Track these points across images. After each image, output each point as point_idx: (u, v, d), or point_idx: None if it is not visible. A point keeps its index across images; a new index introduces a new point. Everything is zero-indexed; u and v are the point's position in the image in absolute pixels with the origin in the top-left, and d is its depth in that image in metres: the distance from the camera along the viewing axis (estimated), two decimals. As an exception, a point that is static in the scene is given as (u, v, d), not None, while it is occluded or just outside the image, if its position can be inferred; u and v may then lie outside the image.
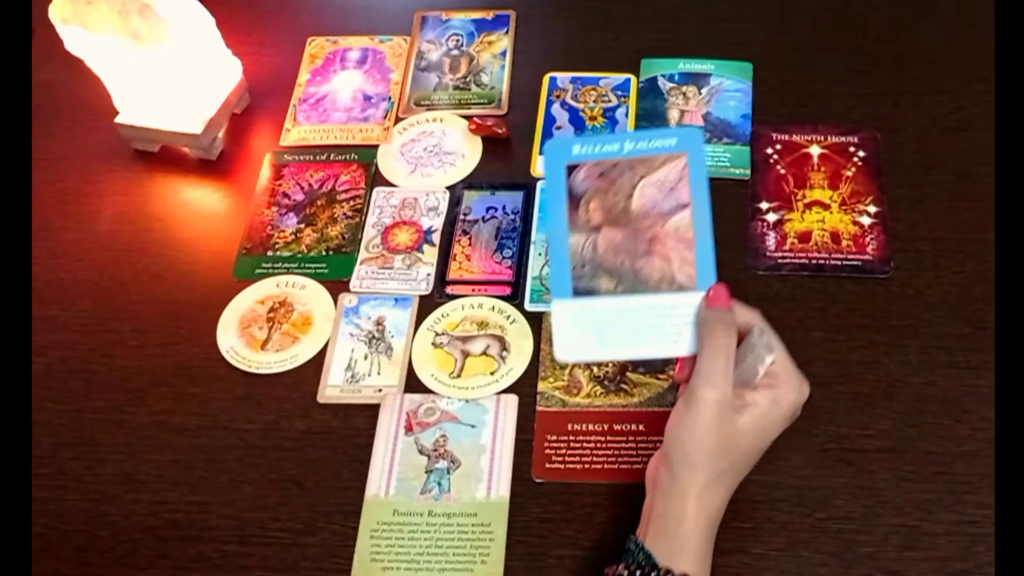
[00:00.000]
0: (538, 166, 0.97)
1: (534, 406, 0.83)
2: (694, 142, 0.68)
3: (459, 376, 0.85)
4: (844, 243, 0.89)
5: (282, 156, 1.01)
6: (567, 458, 0.80)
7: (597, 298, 0.68)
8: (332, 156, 1.00)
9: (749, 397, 0.67)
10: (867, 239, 0.89)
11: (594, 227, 0.69)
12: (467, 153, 0.99)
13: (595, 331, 0.69)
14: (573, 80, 1.02)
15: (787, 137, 0.96)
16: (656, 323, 0.68)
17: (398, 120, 1.02)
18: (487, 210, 0.94)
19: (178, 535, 0.79)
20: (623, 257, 0.68)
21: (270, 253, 0.94)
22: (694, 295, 0.68)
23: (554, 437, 0.81)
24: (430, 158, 0.99)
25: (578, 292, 0.69)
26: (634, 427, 0.81)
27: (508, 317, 0.88)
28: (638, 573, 0.65)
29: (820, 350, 0.83)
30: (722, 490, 0.68)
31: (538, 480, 0.79)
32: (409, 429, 0.82)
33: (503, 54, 1.06)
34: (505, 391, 0.84)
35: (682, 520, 0.66)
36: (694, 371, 0.66)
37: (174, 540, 0.79)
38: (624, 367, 0.83)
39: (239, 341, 0.89)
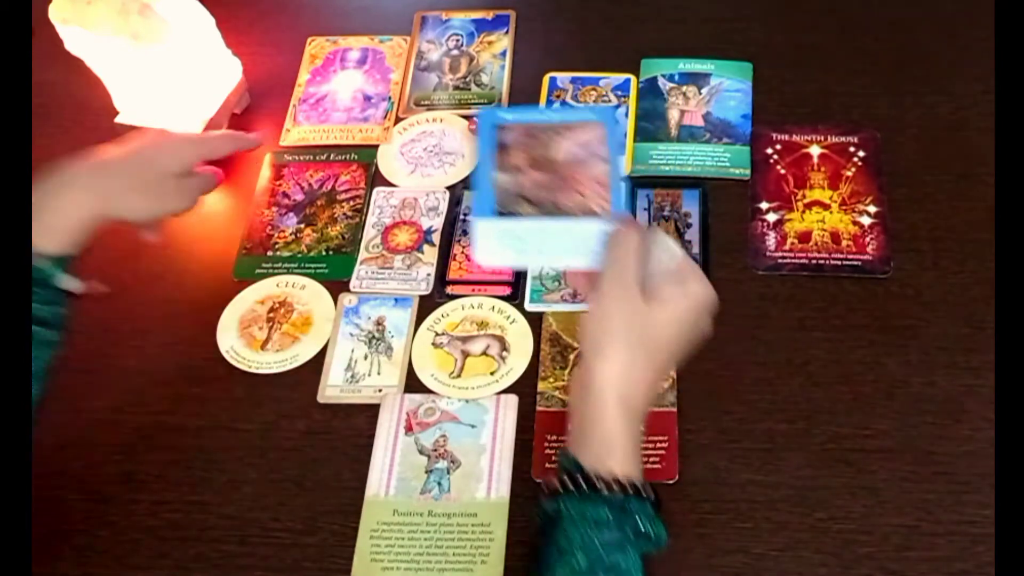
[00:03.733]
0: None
1: (534, 406, 0.83)
2: (610, 117, 0.74)
3: (459, 376, 0.85)
4: (844, 243, 0.89)
5: (282, 156, 1.01)
6: (567, 458, 0.80)
7: (517, 219, 0.71)
8: (332, 156, 1.00)
9: (656, 292, 0.67)
10: (867, 239, 0.89)
11: (516, 167, 0.72)
12: (467, 153, 0.99)
13: (512, 243, 0.71)
14: (573, 80, 1.02)
15: (787, 137, 0.96)
16: (569, 238, 0.70)
17: (398, 120, 1.02)
18: (487, 210, 0.94)
19: (178, 535, 0.79)
20: (544, 192, 0.71)
21: (270, 253, 0.94)
22: (607, 220, 0.70)
23: (554, 437, 0.81)
24: (430, 158, 0.99)
25: (500, 214, 0.71)
26: (634, 427, 0.81)
27: (508, 317, 0.88)
28: (567, 479, 0.65)
29: (820, 350, 0.83)
30: (638, 381, 0.66)
31: (538, 480, 0.79)
32: (409, 429, 0.82)
33: (503, 54, 1.06)
34: (505, 391, 0.84)
35: (602, 419, 0.65)
36: (601, 271, 0.68)
37: (174, 540, 0.79)
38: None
39: (239, 341, 0.89)
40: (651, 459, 0.79)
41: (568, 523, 0.64)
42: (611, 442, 0.65)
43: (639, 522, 0.64)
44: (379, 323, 0.88)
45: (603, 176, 0.71)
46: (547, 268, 0.73)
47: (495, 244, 0.72)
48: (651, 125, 0.98)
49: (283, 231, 0.95)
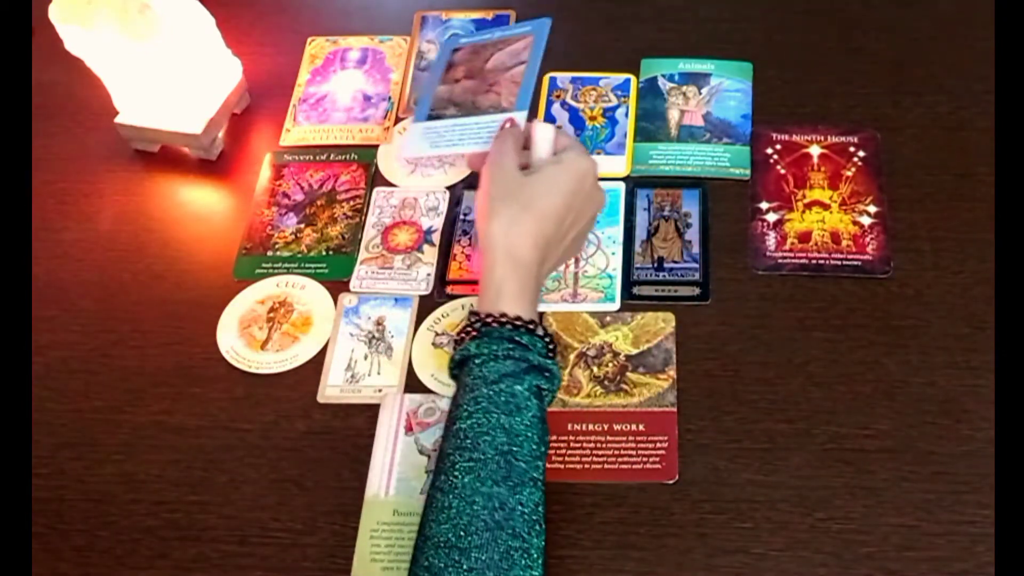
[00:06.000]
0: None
1: (534, 406, 0.82)
2: (541, 28, 0.90)
3: (459, 376, 0.85)
4: (844, 243, 0.89)
5: (282, 156, 1.01)
6: (567, 458, 0.80)
7: (443, 120, 0.89)
8: (332, 156, 1.00)
9: (535, 166, 0.80)
10: (867, 239, 0.89)
11: (456, 80, 0.91)
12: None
13: (432, 138, 0.89)
14: (573, 80, 1.02)
15: (787, 137, 0.96)
16: (476, 132, 0.86)
17: (398, 120, 1.02)
18: (487, 210, 0.94)
19: (178, 535, 0.79)
20: (469, 95, 0.89)
21: (270, 253, 0.94)
22: (503, 117, 0.86)
23: (554, 437, 0.81)
24: (430, 158, 0.99)
25: (431, 117, 0.91)
26: (634, 427, 0.81)
27: (508, 317, 0.87)
28: (468, 326, 0.74)
29: (820, 350, 0.83)
30: (522, 236, 0.76)
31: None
32: (409, 429, 0.82)
33: (503, 54, 1.06)
34: (505, 391, 0.84)
35: (492, 271, 0.75)
36: (488, 158, 0.80)
37: (174, 540, 0.79)
38: (624, 367, 0.83)
39: (239, 341, 0.89)
40: (651, 459, 0.79)
41: (472, 363, 0.72)
42: (500, 288, 0.75)
43: (531, 355, 0.72)
44: (379, 323, 0.88)
45: (519, 75, 0.85)
46: (454, 152, 0.90)
47: (416, 140, 0.89)
48: (651, 125, 0.98)
49: (283, 231, 0.95)
